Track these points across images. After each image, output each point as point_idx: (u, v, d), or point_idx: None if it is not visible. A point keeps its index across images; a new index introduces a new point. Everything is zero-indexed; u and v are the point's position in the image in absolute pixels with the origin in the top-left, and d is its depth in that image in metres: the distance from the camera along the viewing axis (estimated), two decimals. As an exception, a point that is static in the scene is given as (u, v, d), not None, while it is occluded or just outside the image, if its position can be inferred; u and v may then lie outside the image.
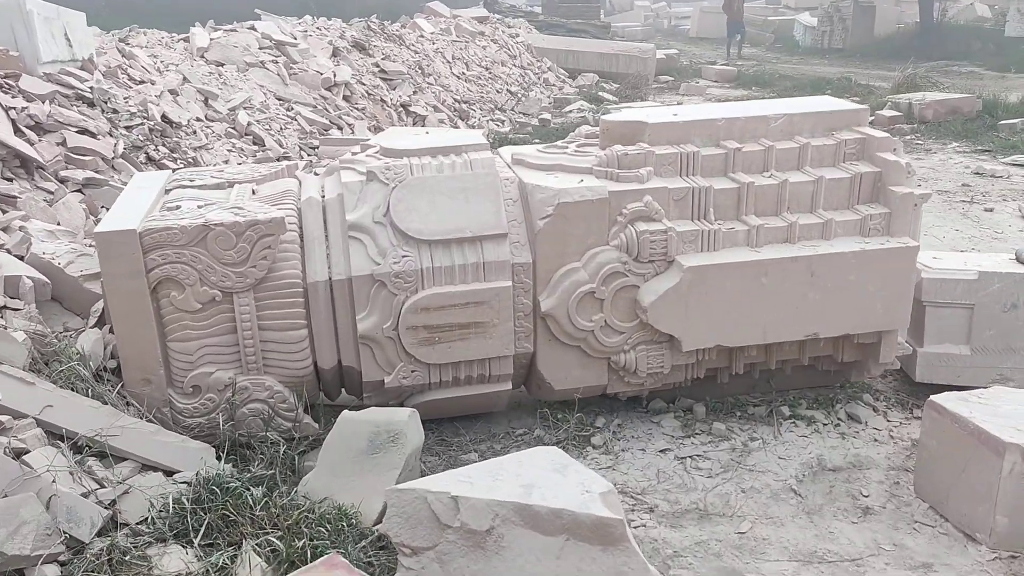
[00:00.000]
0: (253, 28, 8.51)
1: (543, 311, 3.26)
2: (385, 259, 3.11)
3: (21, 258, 3.34)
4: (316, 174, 6.63)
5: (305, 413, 3.26)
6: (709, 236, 3.25)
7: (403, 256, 3.11)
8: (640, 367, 3.36)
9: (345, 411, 3.02)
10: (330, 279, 3.15)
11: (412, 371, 3.22)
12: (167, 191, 3.42)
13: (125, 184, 4.59)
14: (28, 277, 3.19)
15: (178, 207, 3.16)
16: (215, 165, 5.19)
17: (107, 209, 4.37)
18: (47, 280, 3.29)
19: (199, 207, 3.15)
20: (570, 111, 12.72)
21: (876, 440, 3.45)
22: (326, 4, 35.43)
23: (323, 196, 3.33)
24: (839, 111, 3.51)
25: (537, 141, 10.23)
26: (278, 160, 6.44)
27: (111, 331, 3.19)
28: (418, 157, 3.31)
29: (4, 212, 3.63)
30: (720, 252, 3.26)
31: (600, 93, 14.14)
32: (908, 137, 10.12)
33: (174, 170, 3.84)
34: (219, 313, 3.09)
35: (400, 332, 3.14)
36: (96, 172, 4.51)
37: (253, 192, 3.39)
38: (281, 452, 3.09)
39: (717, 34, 27.45)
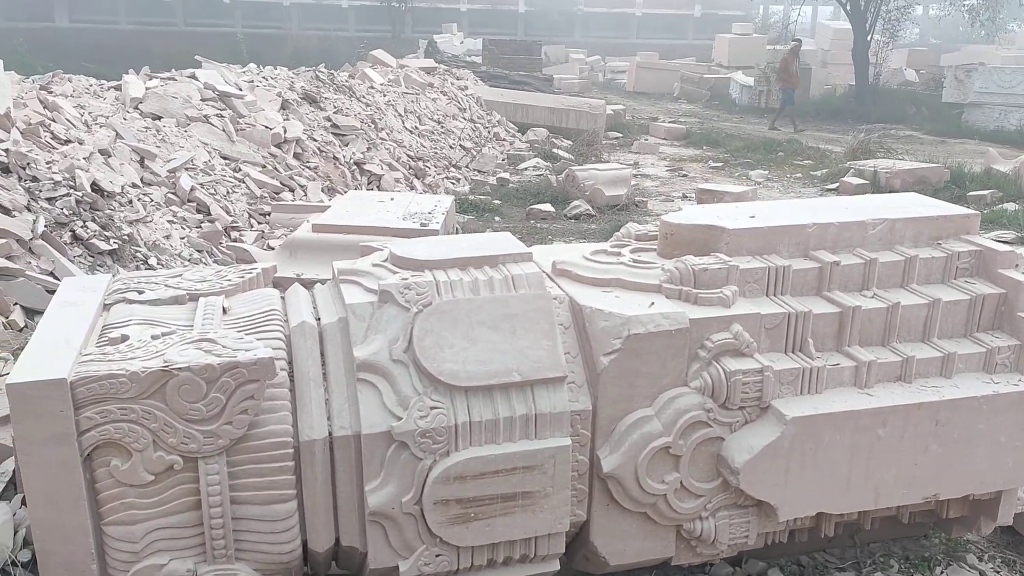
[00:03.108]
0: (194, 77, 7.65)
1: (605, 471, 2.53)
2: (408, 411, 2.34)
3: (-101, 401, 2.46)
4: (270, 247, 5.84)
5: (290, 610, 2.44)
6: (811, 375, 2.59)
7: (432, 408, 2.35)
8: (720, 537, 2.66)
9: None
10: (330, 435, 2.36)
11: (437, 555, 2.44)
12: (107, 306, 2.59)
13: (43, 273, 3.73)
14: (-93, 432, 2.31)
15: (124, 338, 2.34)
16: (167, 265, 4.33)
17: (21, 307, 3.50)
18: (-65, 433, 2.42)
19: (153, 337, 2.34)
20: (525, 168, 12.18)
21: (999, 622, 2.82)
22: (258, 50, 34.58)
23: (318, 319, 2.56)
24: (947, 216, 2.93)
25: (498, 202, 9.60)
26: (225, 231, 5.60)
27: (24, 503, 2.34)
28: (444, 271, 2.57)
29: None
30: (825, 395, 2.60)
31: (554, 150, 13.65)
32: (880, 207, 9.84)
33: (114, 274, 3.00)
34: (178, 485, 2.26)
35: (424, 507, 2.37)
36: (8, 259, 3.62)
37: (224, 311, 2.59)
38: (260, 674, 2.27)
39: (653, 89, 27.64)
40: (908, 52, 30.01)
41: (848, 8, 21.98)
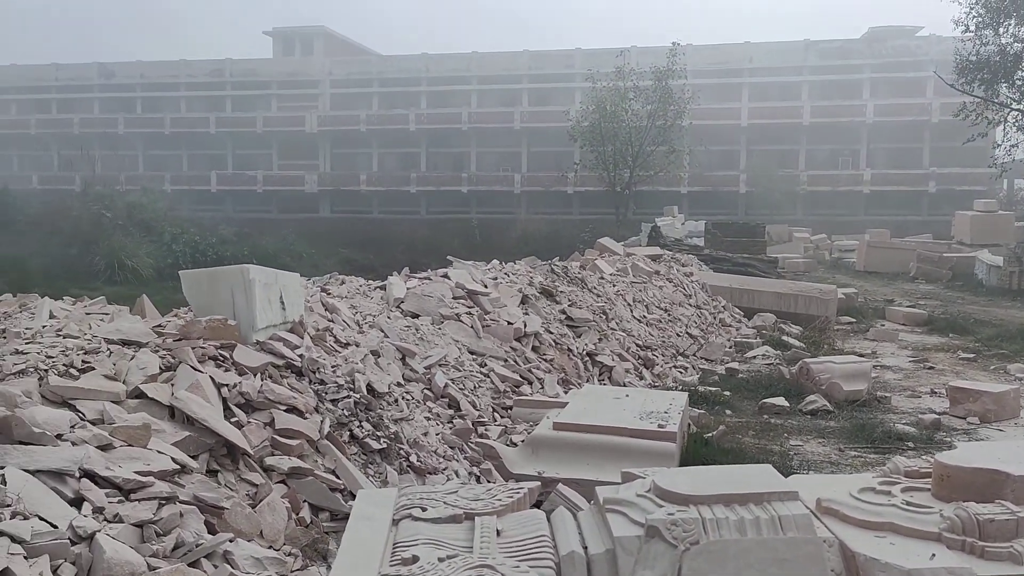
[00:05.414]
0: (446, 276, 8.44)
1: None
2: (677, 656, 2.35)
3: (223, 601, 2.82)
4: (513, 443, 6.13)
5: None
6: None
7: (701, 654, 2.35)
8: None
9: None
10: (598, 672, 2.42)
11: None
12: (395, 521, 2.87)
13: (326, 471, 4.16)
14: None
15: (415, 558, 2.57)
16: (448, 483, 4.69)
17: (310, 505, 3.91)
18: (249, 637, 2.74)
19: (439, 559, 2.55)
20: (754, 357, 11.95)
21: None
22: (489, 234, 37.38)
23: (585, 547, 2.67)
24: None
25: (727, 393, 9.45)
26: (473, 426, 5.95)
27: None
28: (709, 506, 2.62)
29: (210, 530, 3.16)
30: None
31: (783, 337, 13.34)
32: None
33: (401, 488, 3.31)
34: None
35: None
36: (301, 458, 4.09)
37: (498, 533, 2.78)
38: None
39: (886, 268, 26.43)
40: None
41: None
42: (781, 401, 8.86)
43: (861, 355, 11.36)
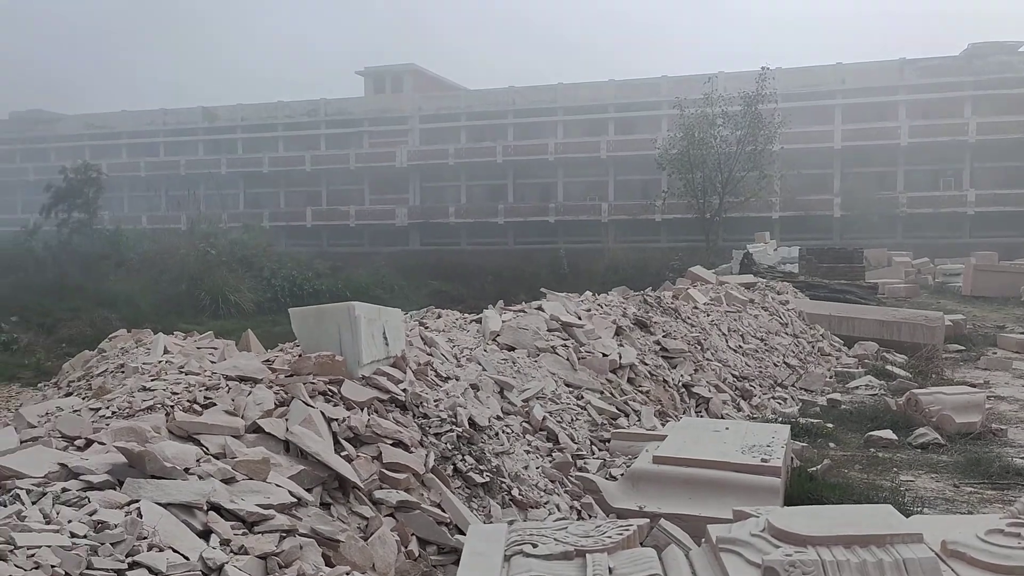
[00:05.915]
0: (541, 309, 8.50)
1: None
2: None
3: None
4: (612, 477, 6.10)
5: None
6: None
7: None
8: None
9: None
10: None
11: None
12: (507, 557, 2.90)
13: (432, 505, 4.23)
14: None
15: (530, 595, 2.60)
16: (551, 517, 4.72)
17: (418, 539, 3.98)
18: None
19: (554, 597, 2.57)
20: (857, 387, 11.57)
21: None
22: (576, 261, 37.39)
23: (700, 587, 2.65)
24: None
25: (830, 425, 9.15)
26: (572, 459, 5.95)
27: None
28: (828, 548, 2.56)
29: (326, 562, 3.26)
30: None
31: (887, 367, 12.87)
32: None
33: (510, 523, 3.35)
34: None
35: None
36: (408, 491, 4.17)
37: (610, 571, 2.78)
38: None
39: (995, 293, 25.18)
40: None
41: None
42: (888, 434, 8.53)
43: (973, 385, 10.85)
